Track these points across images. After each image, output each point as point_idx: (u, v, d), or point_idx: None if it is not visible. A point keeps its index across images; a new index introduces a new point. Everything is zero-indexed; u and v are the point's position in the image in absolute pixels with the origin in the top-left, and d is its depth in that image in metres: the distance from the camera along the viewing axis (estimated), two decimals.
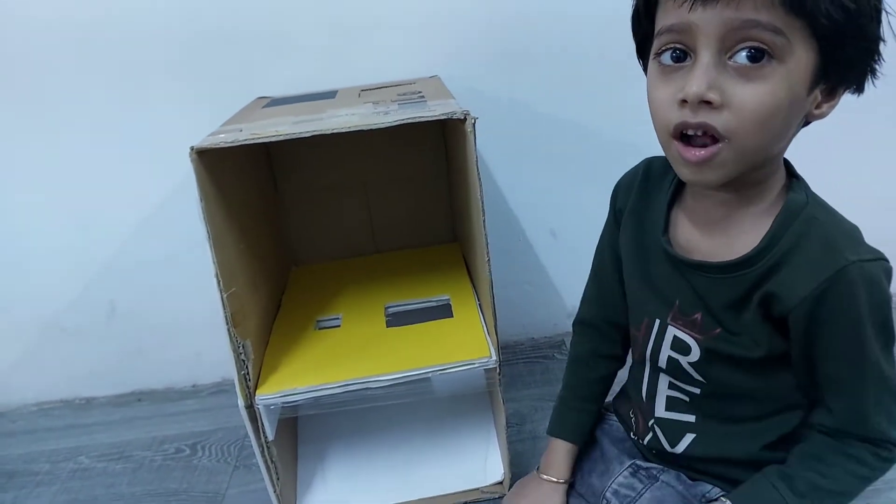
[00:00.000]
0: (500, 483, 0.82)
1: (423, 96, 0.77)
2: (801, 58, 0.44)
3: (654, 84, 0.50)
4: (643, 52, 0.54)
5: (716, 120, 0.45)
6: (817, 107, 0.48)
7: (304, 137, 0.63)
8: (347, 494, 0.85)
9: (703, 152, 0.47)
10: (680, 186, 0.59)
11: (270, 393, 0.72)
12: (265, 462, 0.74)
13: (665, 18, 0.48)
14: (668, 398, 0.63)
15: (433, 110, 0.66)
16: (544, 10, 0.94)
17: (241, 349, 0.70)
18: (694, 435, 0.62)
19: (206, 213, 0.65)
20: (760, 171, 0.51)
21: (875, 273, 0.49)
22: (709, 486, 0.63)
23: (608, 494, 0.66)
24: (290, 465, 0.86)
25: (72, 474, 0.97)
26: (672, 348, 0.59)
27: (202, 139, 0.64)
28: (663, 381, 0.63)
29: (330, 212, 1.05)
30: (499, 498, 0.81)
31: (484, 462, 0.86)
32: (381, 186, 1.04)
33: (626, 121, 0.86)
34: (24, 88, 0.95)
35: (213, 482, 0.92)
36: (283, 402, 0.73)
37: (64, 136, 0.98)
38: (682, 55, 0.47)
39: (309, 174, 1.02)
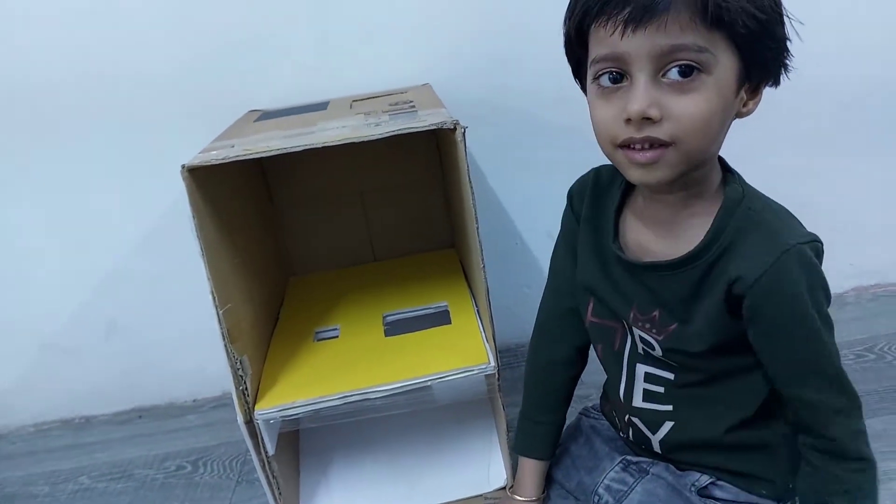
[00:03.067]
0: (504, 489, 0.82)
1: (413, 106, 0.77)
2: (725, 66, 0.50)
3: (596, 104, 0.54)
4: (578, 74, 0.59)
5: (659, 132, 0.50)
6: (744, 105, 0.54)
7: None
8: None
9: (651, 153, 0.51)
10: (626, 193, 0.63)
11: (269, 407, 0.72)
12: (266, 477, 0.74)
13: (598, 48, 0.52)
14: (645, 391, 0.65)
15: (424, 120, 0.66)
16: (535, 16, 0.94)
17: (238, 365, 0.70)
18: (672, 423, 0.64)
19: (200, 229, 0.65)
20: (701, 171, 0.55)
21: (810, 255, 0.53)
22: (697, 475, 0.65)
23: (600, 490, 0.68)
24: (293, 479, 0.86)
25: (72, 496, 0.97)
26: (641, 342, 0.63)
27: (194, 156, 0.64)
28: (640, 373, 0.65)
29: (326, 221, 1.04)
30: None
31: (487, 468, 0.85)
32: (376, 194, 1.04)
33: None
34: (19, 110, 0.95)
35: (215, 498, 0.92)
36: (283, 416, 0.72)
37: (59, 155, 0.97)
38: (619, 76, 0.51)
39: (304, 184, 1.02)
